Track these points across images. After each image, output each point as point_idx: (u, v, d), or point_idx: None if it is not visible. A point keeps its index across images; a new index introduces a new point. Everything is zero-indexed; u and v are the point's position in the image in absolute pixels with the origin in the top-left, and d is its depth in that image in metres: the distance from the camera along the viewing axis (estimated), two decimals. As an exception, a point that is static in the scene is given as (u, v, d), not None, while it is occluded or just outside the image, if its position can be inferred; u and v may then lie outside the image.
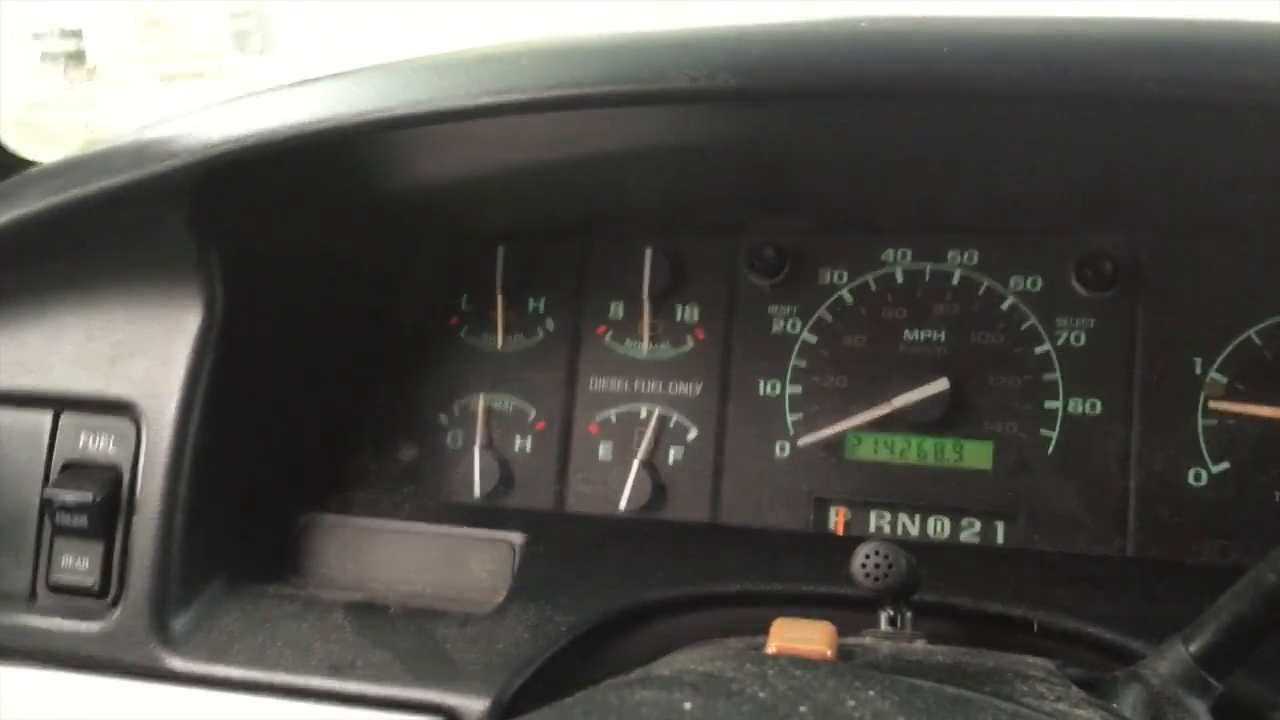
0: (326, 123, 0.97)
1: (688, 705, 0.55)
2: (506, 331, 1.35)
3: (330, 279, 1.26)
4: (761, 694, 0.58)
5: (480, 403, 1.34)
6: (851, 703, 0.58)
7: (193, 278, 1.10)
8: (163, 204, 1.05)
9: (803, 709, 0.56)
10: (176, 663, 1.05)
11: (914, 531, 1.21)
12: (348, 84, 0.98)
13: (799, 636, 0.81)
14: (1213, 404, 1.15)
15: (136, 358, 1.12)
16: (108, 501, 1.09)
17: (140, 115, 1.10)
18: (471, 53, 0.97)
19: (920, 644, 0.88)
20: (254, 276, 1.14)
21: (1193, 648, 0.80)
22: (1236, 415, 1.14)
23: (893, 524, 1.22)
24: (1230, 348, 1.15)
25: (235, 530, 1.16)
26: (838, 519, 1.23)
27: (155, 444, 1.09)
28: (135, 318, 1.13)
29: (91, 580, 1.09)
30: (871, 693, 0.61)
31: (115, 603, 1.09)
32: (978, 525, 1.20)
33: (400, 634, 1.05)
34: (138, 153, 1.03)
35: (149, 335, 1.12)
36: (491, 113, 0.94)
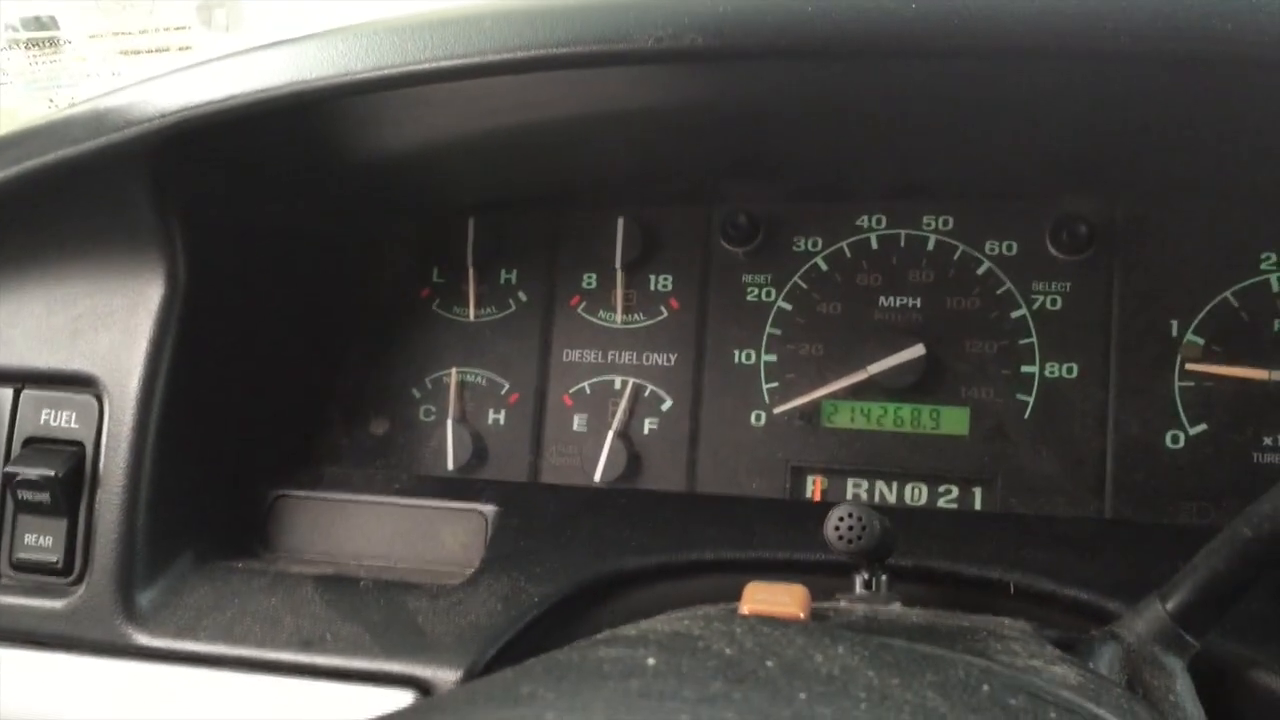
0: (288, 87, 0.95)
1: (651, 661, 0.54)
2: (478, 303, 1.34)
3: (298, 250, 1.24)
4: (728, 650, 0.57)
5: (453, 375, 1.33)
6: (819, 658, 0.57)
7: (154, 248, 1.08)
8: (122, 172, 1.03)
9: (769, 664, 0.55)
10: (143, 639, 1.03)
11: (891, 498, 1.21)
12: (310, 48, 0.96)
13: (771, 599, 0.79)
14: (1189, 366, 1.14)
15: (98, 331, 1.10)
16: (71, 477, 1.07)
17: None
18: (435, 15, 0.95)
19: (895, 606, 0.87)
20: (218, 247, 1.12)
21: (1169, 606, 0.80)
22: (1213, 377, 1.14)
23: (870, 491, 1.21)
24: (1207, 309, 1.14)
25: (202, 505, 1.14)
26: (814, 487, 1.23)
27: (118, 419, 1.07)
28: (97, 290, 1.11)
29: (55, 557, 1.07)
30: (840, 649, 0.59)
31: (80, 579, 1.07)
32: (955, 491, 1.19)
33: (371, 606, 1.04)
34: (96, 120, 1.01)
35: (111, 308, 1.10)
36: (455, 75, 0.92)
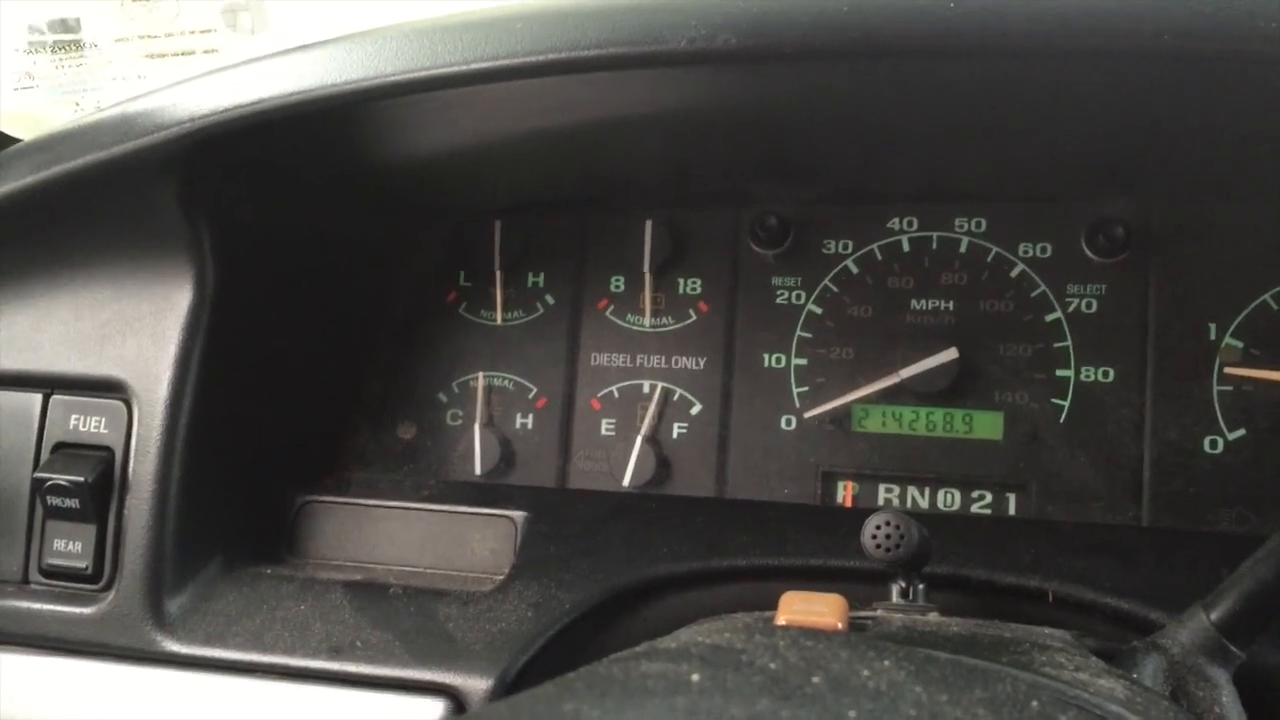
0: (317, 91, 0.94)
1: (695, 677, 0.53)
2: (506, 307, 1.33)
3: (325, 254, 1.24)
4: (772, 665, 0.56)
5: (480, 380, 1.32)
6: (866, 673, 0.56)
7: (183, 253, 1.08)
8: (151, 177, 1.02)
9: (815, 679, 0.54)
10: (173, 646, 1.03)
11: (924, 504, 1.19)
12: (339, 51, 0.96)
13: (809, 609, 0.78)
14: (1228, 370, 1.12)
15: (127, 336, 1.10)
16: (100, 483, 1.07)
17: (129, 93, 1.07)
18: (465, 17, 0.94)
19: (933, 616, 0.86)
20: (246, 251, 1.12)
21: (1214, 616, 0.79)
22: (1253, 381, 1.12)
23: (902, 497, 1.20)
24: (1246, 312, 1.13)
25: (231, 511, 1.14)
26: (846, 493, 1.21)
27: (147, 424, 1.07)
28: (125, 295, 1.11)
29: (85, 563, 1.07)
30: (886, 663, 0.58)
31: (109, 586, 1.07)
32: (989, 497, 1.18)
33: (401, 614, 1.03)
34: (125, 125, 1.01)
35: (139, 313, 1.10)
36: (486, 78, 0.91)
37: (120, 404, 1.09)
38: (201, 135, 0.97)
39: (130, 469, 1.07)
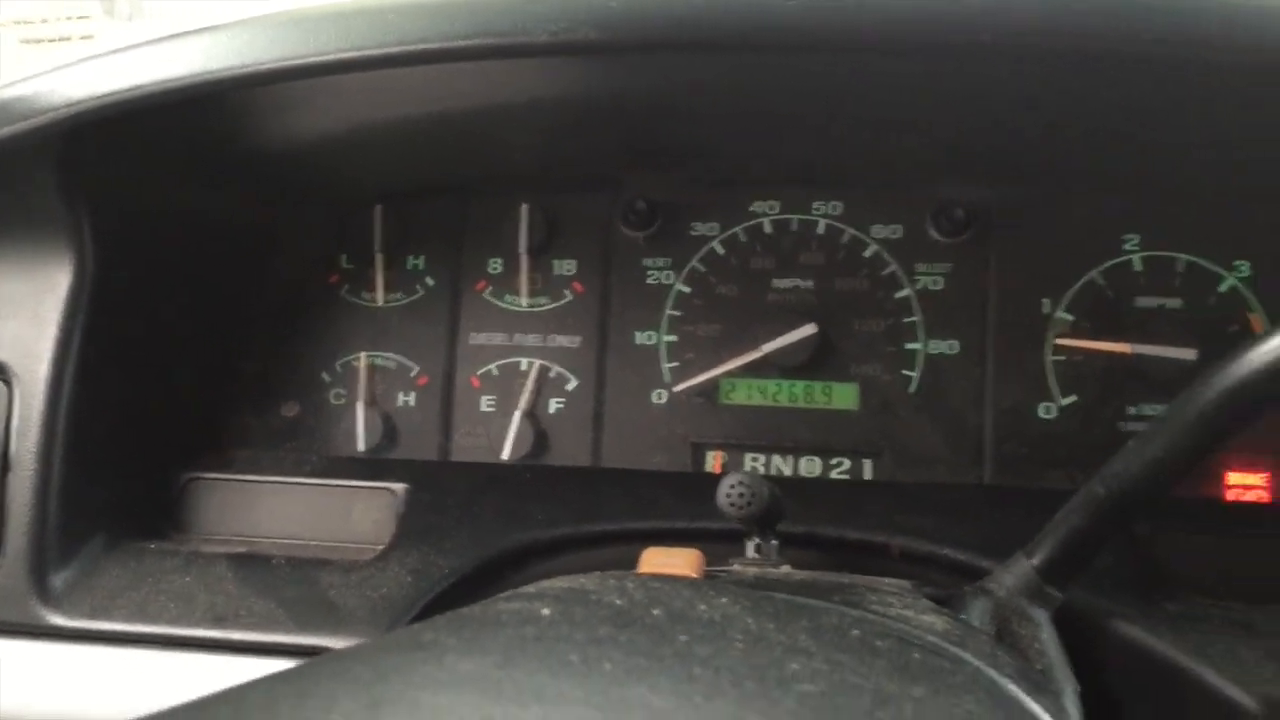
0: (192, 79, 0.96)
1: (546, 611, 0.59)
2: (387, 289, 1.37)
3: (206, 236, 1.26)
4: (618, 602, 0.62)
5: (363, 359, 1.36)
6: (703, 607, 0.62)
7: (61, 236, 1.09)
8: (28, 163, 1.03)
9: (655, 611, 0.60)
10: (58, 619, 1.04)
11: (787, 471, 1.26)
12: (214, 39, 0.98)
13: (666, 562, 0.84)
14: (1060, 341, 1.22)
15: (6, 319, 1.10)
16: (-20, 462, 1.08)
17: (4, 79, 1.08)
18: (338, 7, 0.98)
19: (784, 569, 0.93)
20: (126, 234, 1.13)
21: (1035, 561, 0.86)
22: (1082, 351, 1.21)
23: (767, 465, 1.27)
24: (1075, 288, 1.22)
25: (114, 489, 1.16)
26: (715, 462, 1.28)
27: (28, 404, 1.08)
28: (3, 278, 1.11)
29: (-34, 541, 1.08)
30: (723, 600, 0.64)
31: (-8, 562, 1.08)
32: (846, 463, 1.25)
33: (284, 583, 1.06)
34: (2, 111, 1.02)
35: (17, 295, 1.10)
36: (359, 67, 0.95)
37: (0, 385, 1.10)
38: (79, 121, 0.98)
39: (11, 449, 1.08)
